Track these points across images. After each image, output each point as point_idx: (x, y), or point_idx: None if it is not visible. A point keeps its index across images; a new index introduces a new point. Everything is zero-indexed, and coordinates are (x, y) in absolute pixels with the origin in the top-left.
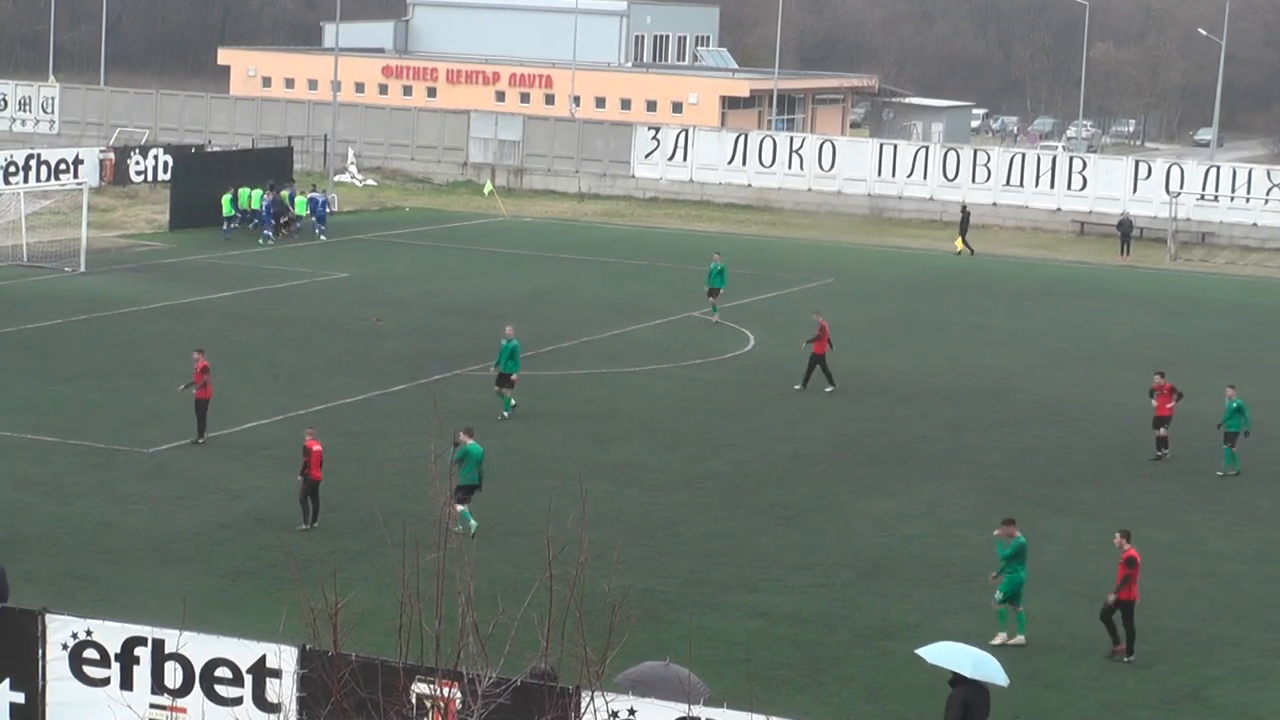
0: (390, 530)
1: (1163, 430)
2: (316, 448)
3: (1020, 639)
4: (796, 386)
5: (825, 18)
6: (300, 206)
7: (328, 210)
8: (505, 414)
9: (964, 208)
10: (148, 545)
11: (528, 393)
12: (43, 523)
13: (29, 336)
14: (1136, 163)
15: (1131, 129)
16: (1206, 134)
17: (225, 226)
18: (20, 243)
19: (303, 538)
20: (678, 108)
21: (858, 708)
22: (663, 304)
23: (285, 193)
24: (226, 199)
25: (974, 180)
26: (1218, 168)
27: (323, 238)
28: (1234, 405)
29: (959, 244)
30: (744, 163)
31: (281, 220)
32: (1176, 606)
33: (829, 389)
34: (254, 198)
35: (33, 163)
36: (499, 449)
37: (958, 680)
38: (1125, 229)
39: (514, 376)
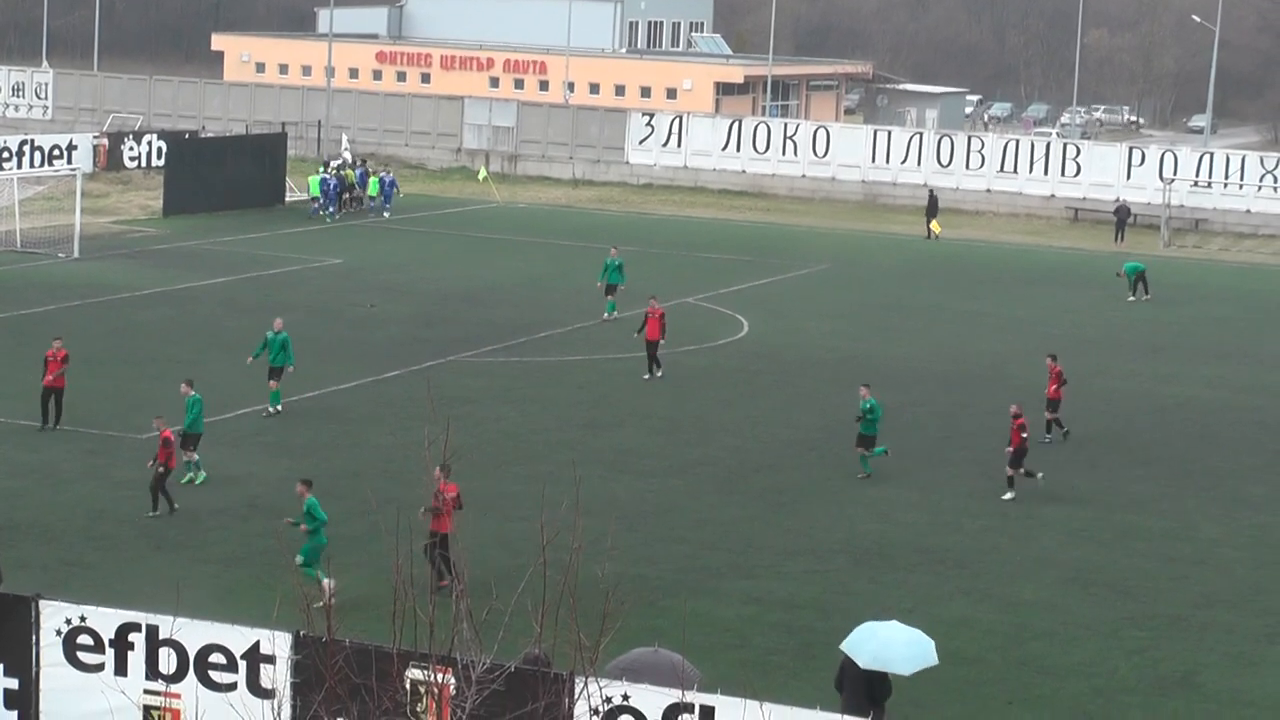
0: (384, 517)
1: (1050, 413)
2: (172, 436)
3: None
4: (644, 376)
5: (819, 4)
6: (373, 187)
7: (395, 190)
8: (272, 409)
9: (931, 192)
10: (141, 532)
11: (522, 378)
12: (36, 509)
13: (22, 322)
14: (1130, 149)
15: (1127, 117)
16: (1200, 121)
17: (314, 206)
18: (14, 228)
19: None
20: (672, 94)
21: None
22: (656, 290)
23: (351, 171)
24: (313, 179)
25: (968, 167)
26: (1211, 154)
27: (386, 214)
28: (866, 406)
29: (935, 227)
30: (738, 149)
31: (344, 196)
32: (1169, 592)
33: (645, 376)
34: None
35: (26, 148)
36: (495, 434)
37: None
38: (1122, 216)
39: (290, 368)
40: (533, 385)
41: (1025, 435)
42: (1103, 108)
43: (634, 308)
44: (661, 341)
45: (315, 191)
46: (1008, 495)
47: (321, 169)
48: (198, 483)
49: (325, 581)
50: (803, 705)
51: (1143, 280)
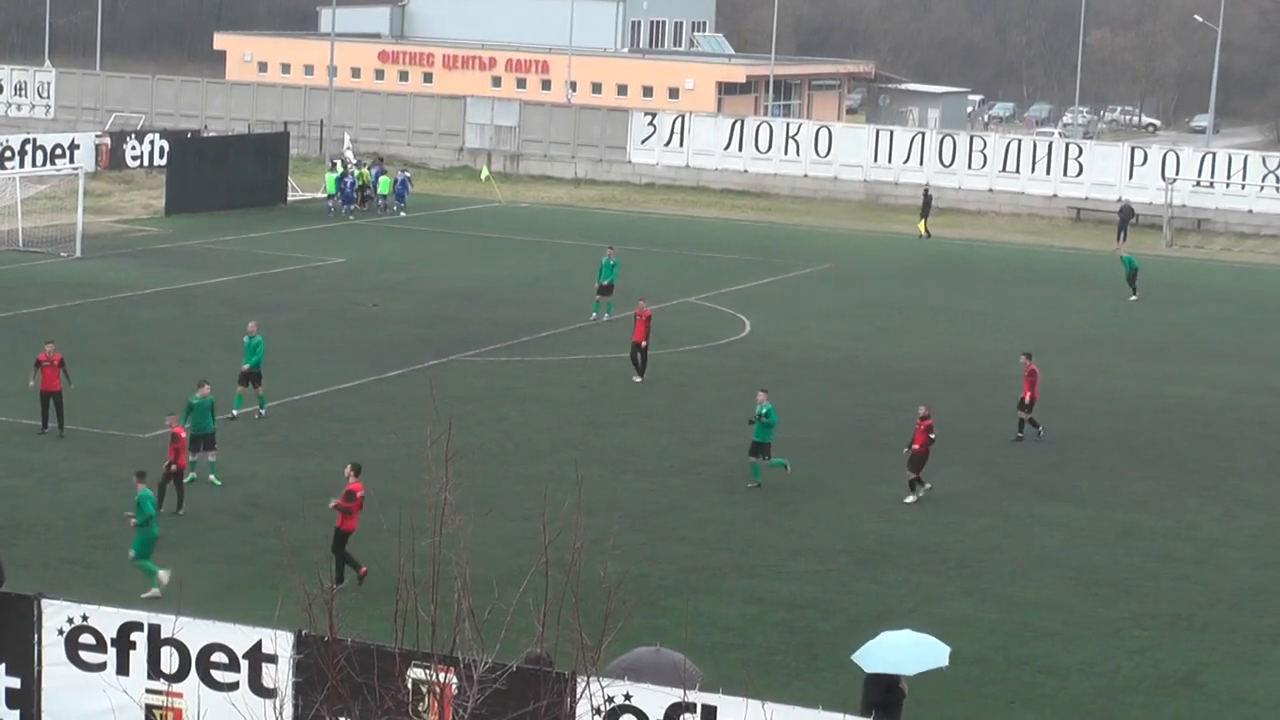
0: (386, 515)
1: (1024, 413)
2: (183, 433)
3: (156, 591)
4: (635, 379)
5: (821, 4)
6: (384, 185)
7: (407, 190)
8: (263, 410)
9: (926, 190)
10: None
11: (524, 378)
12: (38, 508)
13: (24, 321)
14: (1133, 149)
15: (1143, 119)
16: (1202, 120)
17: (330, 205)
18: (16, 228)
19: (299, 523)
20: (674, 93)
21: (854, 693)
22: (658, 290)
23: (366, 170)
24: (329, 178)
25: (970, 166)
26: (1213, 154)
27: (402, 214)
28: (761, 411)
29: (921, 227)
30: (740, 148)
31: (363, 194)
32: (1171, 592)
33: (636, 379)
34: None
35: (28, 147)
36: (496, 434)
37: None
38: (1125, 216)
39: (246, 369)
40: (534, 384)
41: (934, 438)
42: (1119, 108)
43: (628, 308)
44: (644, 343)
45: (332, 190)
46: (910, 499)
47: (340, 168)
48: (216, 484)
49: (161, 573)
50: (805, 705)
51: (1134, 279)
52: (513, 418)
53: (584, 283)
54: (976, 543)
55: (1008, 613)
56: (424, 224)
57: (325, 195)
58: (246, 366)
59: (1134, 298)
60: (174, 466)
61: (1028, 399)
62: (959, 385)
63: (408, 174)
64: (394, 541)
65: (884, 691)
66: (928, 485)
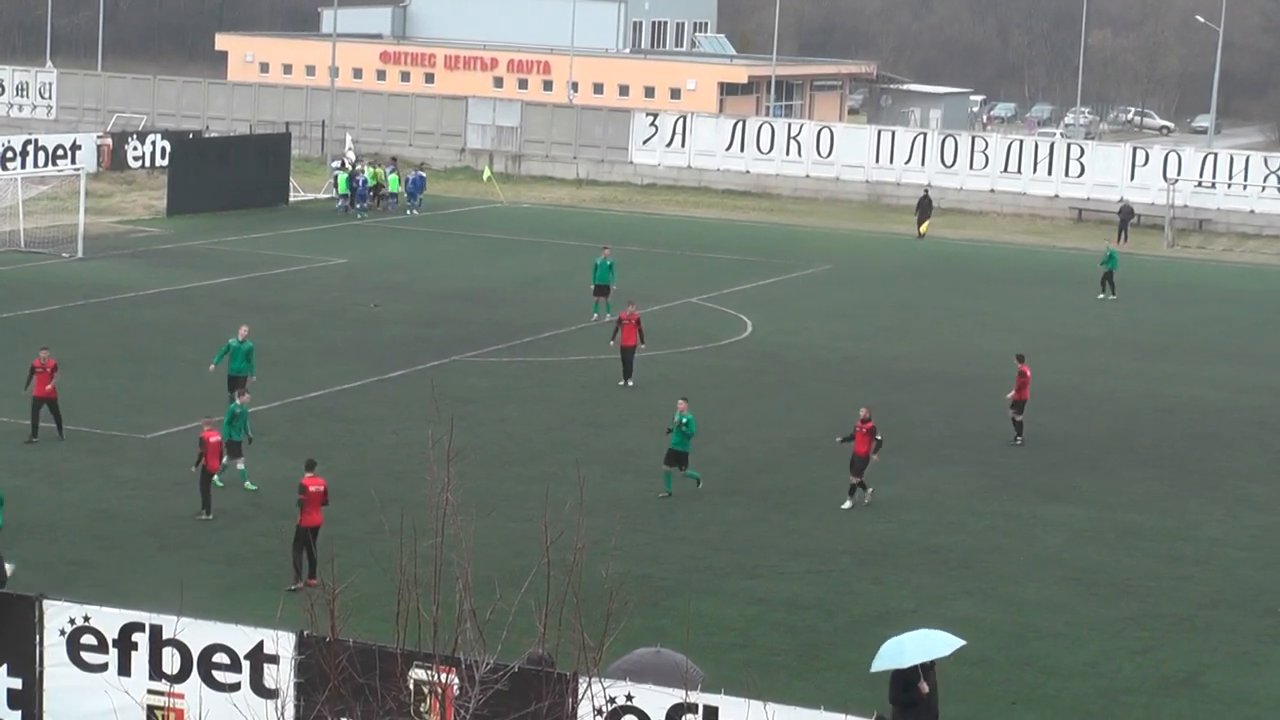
0: (388, 516)
1: (1016, 415)
2: (215, 439)
3: None
4: (620, 383)
5: (823, 4)
6: (393, 184)
7: (420, 188)
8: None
9: (926, 191)
10: (145, 531)
11: (525, 378)
12: (40, 508)
13: (26, 322)
14: (1134, 149)
15: (1158, 120)
16: (1204, 121)
17: (341, 204)
18: (18, 228)
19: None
20: (676, 94)
21: (855, 694)
22: (660, 290)
23: (378, 169)
24: (341, 177)
25: (971, 167)
26: (1215, 155)
27: (409, 211)
28: (682, 420)
29: (922, 229)
30: (742, 149)
31: (376, 195)
32: (1172, 592)
33: (620, 383)
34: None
35: (30, 148)
36: (498, 434)
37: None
38: (1125, 216)
39: (251, 379)
40: (536, 385)
41: (880, 439)
42: (1131, 109)
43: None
44: (641, 346)
45: (344, 189)
46: (847, 504)
47: (351, 167)
48: (249, 488)
49: (6, 566)
50: (806, 705)
51: (1109, 278)
52: (514, 418)
53: (585, 283)
54: (978, 543)
55: (1009, 613)
56: (426, 225)
57: (337, 194)
58: (252, 377)
59: (1111, 297)
60: (209, 471)
61: (1017, 400)
62: (959, 385)
63: (423, 172)
64: (396, 542)
65: (902, 689)
66: (870, 490)
